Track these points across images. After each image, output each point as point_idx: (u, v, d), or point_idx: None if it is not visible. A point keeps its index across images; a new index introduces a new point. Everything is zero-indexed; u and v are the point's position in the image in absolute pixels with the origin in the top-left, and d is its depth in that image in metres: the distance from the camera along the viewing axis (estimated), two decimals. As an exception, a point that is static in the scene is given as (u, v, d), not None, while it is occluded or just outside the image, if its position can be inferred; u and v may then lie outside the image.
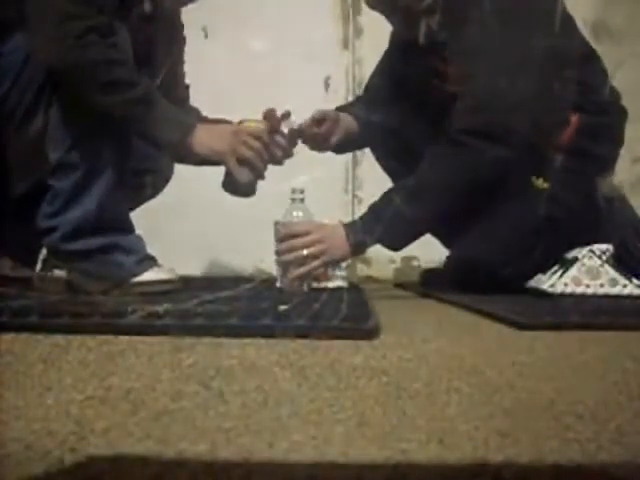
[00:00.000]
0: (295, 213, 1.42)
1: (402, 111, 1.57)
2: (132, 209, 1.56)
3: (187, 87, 1.72)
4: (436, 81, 1.47)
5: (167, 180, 1.62)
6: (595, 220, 1.40)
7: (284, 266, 1.38)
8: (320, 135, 1.50)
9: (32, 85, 1.21)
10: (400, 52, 1.62)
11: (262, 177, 1.34)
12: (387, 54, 1.71)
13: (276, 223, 1.43)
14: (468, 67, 1.35)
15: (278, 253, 1.39)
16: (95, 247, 1.25)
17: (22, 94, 1.21)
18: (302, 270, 1.35)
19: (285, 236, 1.37)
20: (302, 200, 1.44)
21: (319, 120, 1.49)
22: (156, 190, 1.62)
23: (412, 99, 1.54)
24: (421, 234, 1.42)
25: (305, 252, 1.33)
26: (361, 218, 1.38)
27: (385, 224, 1.33)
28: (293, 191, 1.44)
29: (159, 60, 1.54)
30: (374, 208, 1.37)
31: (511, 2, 1.36)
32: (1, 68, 1.20)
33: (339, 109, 1.63)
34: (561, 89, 1.35)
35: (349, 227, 1.35)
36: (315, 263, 1.34)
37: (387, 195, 1.37)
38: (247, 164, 1.28)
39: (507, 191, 1.39)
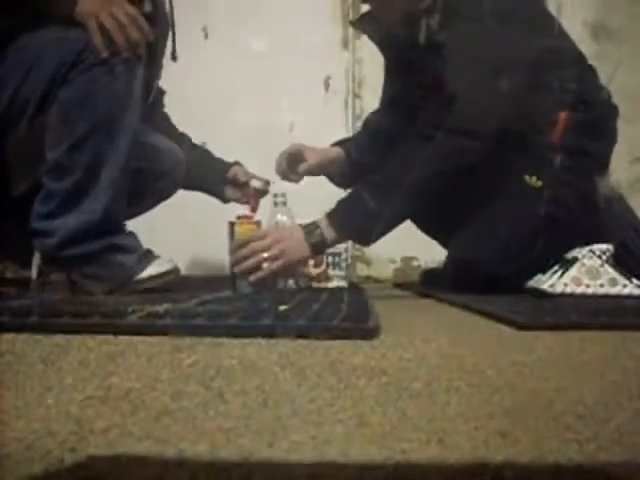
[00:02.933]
0: (279, 216, 1.46)
1: (405, 129, 1.59)
2: (143, 212, 1.57)
3: (162, 93, 1.72)
4: (431, 87, 1.48)
5: (177, 185, 1.62)
6: (594, 219, 1.40)
7: (243, 271, 1.35)
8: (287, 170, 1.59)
9: (40, 83, 1.19)
10: (395, 74, 1.63)
11: None
12: (385, 80, 1.73)
13: (231, 224, 1.43)
14: (459, 70, 1.35)
15: (235, 260, 1.36)
16: (93, 251, 1.24)
17: (31, 92, 1.20)
18: (262, 273, 1.34)
19: (243, 242, 1.36)
20: (284, 203, 1.48)
21: (292, 153, 1.57)
22: (167, 194, 1.62)
23: (412, 115, 1.56)
24: (392, 228, 1.39)
25: (265, 255, 1.33)
26: (328, 215, 1.38)
27: (353, 219, 1.34)
28: (275, 195, 1.49)
29: (159, 59, 1.55)
30: (342, 204, 1.38)
31: (492, 4, 1.36)
32: (10, 67, 1.19)
33: (335, 144, 1.67)
34: (545, 88, 1.36)
35: (307, 227, 1.36)
36: (275, 265, 1.34)
37: (355, 191, 1.38)
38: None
39: (502, 190, 1.39)
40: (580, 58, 1.46)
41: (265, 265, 1.34)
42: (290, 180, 1.62)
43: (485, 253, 1.40)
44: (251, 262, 1.34)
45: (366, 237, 1.40)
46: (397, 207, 1.34)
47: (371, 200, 1.31)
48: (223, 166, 1.69)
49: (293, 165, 1.60)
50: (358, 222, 1.34)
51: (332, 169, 1.65)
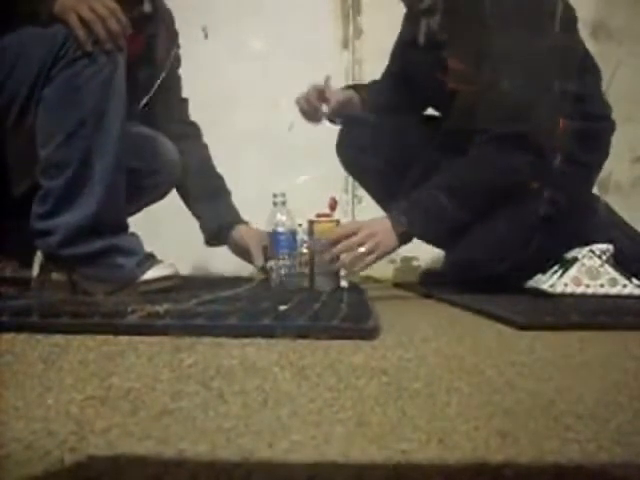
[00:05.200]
0: (279, 216, 1.47)
1: (403, 106, 1.61)
2: (136, 212, 1.56)
3: (185, 100, 1.73)
4: (439, 75, 1.48)
5: (172, 182, 1.62)
6: (582, 221, 1.41)
7: (341, 267, 1.39)
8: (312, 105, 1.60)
9: (24, 83, 1.18)
10: (408, 46, 1.64)
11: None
12: (393, 51, 1.74)
13: (311, 222, 1.45)
14: (491, 71, 1.35)
15: (331, 257, 1.38)
16: (95, 251, 1.23)
17: (15, 92, 1.19)
18: (360, 266, 1.37)
19: (337, 238, 1.37)
20: (284, 203, 1.49)
21: (315, 93, 1.59)
22: (162, 192, 1.62)
23: (415, 94, 1.57)
24: (453, 229, 1.42)
25: (362, 249, 1.34)
26: (401, 210, 1.39)
27: (424, 217, 1.36)
28: (275, 195, 1.49)
29: (158, 60, 1.55)
30: (414, 200, 1.38)
31: (526, 5, 1.37)
32: None
33: (350, 87, 1.71)
34: (553, 93, 1.37)
35: (393, 219, 1.36)
36: (370, 258, 1.35)
37: (426, 189, 1.38)
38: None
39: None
40: (589, 67, 1.45)
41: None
42: (313, 119, 1.64)
43: (480, 252, 1.40)
44: (350, 259, 1.36)
45: (433, 236, 1.43)
46: (465, 210, 1.36)
47: (444, 200, 1.34)
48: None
49: (317, 104, 1.61)
50: (429, 220, 1.36)
51: (346, 111, 1.66)
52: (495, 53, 1.34)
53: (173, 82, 1.68)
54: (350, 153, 1.71)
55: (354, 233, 1.36)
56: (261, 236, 1.56)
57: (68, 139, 1.19)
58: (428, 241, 1.44)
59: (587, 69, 1.44)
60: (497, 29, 1.33)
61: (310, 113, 1.62)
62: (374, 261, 1.37)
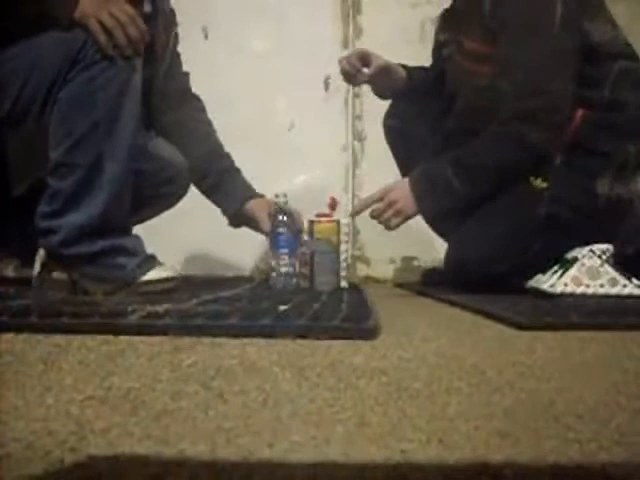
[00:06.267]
0: (280, 217, 1.48)
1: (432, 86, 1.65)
2: (145, 220, 1.57)
3: (186, 74, 1.76)
4: (458, 57, 1.50)
5: (181, 193, 1.62)
6: (595, 219, 1.39)
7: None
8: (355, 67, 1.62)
9: (42, 85, 1.19)
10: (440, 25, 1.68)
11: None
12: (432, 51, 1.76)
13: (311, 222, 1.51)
14: (511, 53, 1.37)
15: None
16: (97, 251, 1.24)
17: (34, 94, 1.19)
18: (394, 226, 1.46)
19: (364, 206, 1.47)
20: (285, 203, 1.50)
21: (361, 56, 1.62)
22: (171, 202, 1.62)
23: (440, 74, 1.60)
24: (458, 207, 1.45)
25: (387, 215, 1.44)
26: (413, 181, 1.43)
27: (434, 191, 1.40)
28: (276, 195, 1.50)
29: (159, 47, 1.56)
30: (426, 173, 1.42)
31: None
32: (11, 71, 1.19)
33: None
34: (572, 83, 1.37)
35: (413, 186, 1.43)
36: (394, 222, 1.45)
37: (439, 164, 1.41)
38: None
39: (504, 190, 1.39)
40: (606, 53, 1.43)
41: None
42: (352, 81, 1.66)
43: (480, 252, 1.40)
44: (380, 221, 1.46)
45: (437, 210, 1.46)
46: (474, 189, 1.39)
47: (453, 177, 1.38)
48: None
49: (360, 65, 1.63)
50: (437, 195, 1.40)
51: (389, 79, 1.67)
52: (509, 31, 1.36)
53: (173, 60, 1.68)
54: (394, 124, 1.74)
55: (380, 200, 1.44)
56: (268, 204, 1.59)
57: (80, 141, 1.19)
58: (433, 213, 1.48)
59: (600, 56, 1.41)
60: (511, 9, 1.36)
61: (350, 74, 1.63)
62: (397, 226, 1.46)
